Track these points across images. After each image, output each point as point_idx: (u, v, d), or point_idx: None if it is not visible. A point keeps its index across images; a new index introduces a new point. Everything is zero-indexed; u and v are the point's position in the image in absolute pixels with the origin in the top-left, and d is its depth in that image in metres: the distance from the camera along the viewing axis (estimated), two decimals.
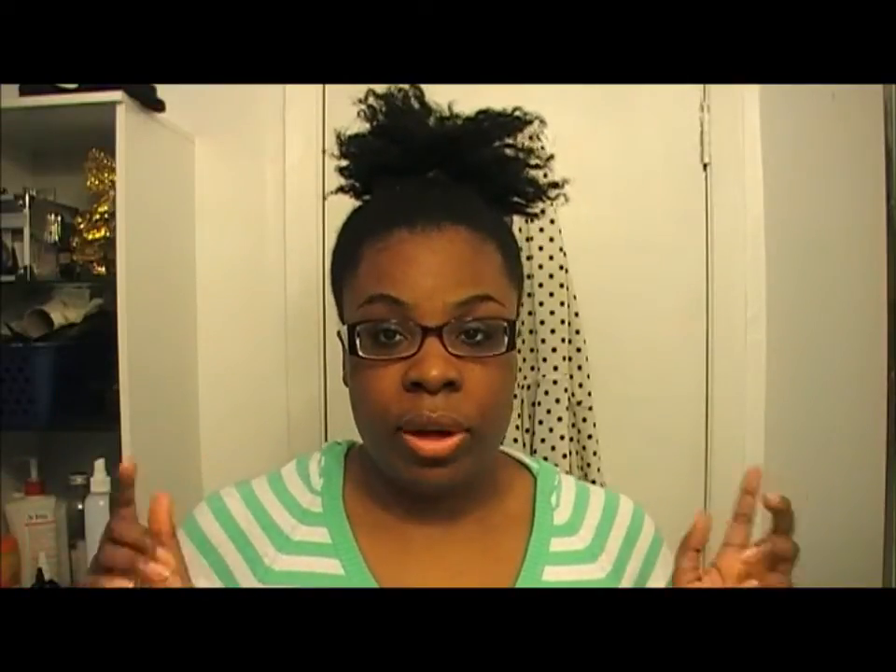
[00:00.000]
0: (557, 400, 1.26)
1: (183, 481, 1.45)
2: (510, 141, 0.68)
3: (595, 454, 1.28)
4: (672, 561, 0.70)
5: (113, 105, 1.22)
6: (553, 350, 1.26)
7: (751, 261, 1.41)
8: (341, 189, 0.73)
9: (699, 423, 1.44)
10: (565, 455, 1.25)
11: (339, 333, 0.65)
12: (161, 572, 0.51)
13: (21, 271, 1.37)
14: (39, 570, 1.35)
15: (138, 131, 1.28)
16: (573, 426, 1.29)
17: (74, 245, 1.40)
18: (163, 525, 0.53)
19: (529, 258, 1.25)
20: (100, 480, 1.27)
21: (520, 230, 1.25)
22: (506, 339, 0.60)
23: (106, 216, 1.37)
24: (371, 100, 0.67)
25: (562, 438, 1.25)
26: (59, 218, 1.41)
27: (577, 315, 1.29)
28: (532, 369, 1.27)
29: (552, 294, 1.26)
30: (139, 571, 0.50)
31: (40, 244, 1.40)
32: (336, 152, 0.70)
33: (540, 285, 1.26)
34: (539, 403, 1.26)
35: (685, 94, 1.43)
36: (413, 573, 0.63)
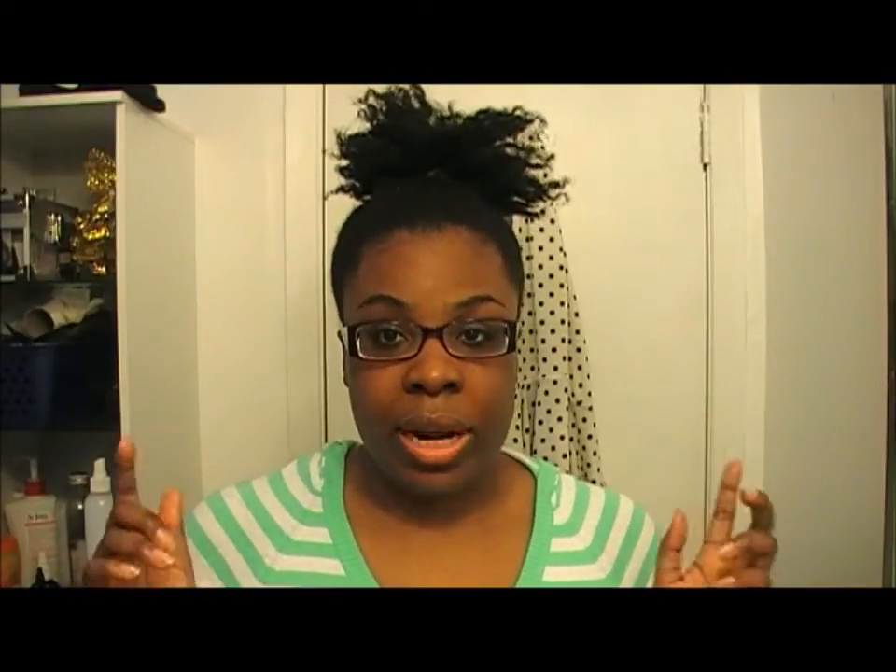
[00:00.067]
0: (557, 400, 1.26)
1: (183, 481, 1.45)
2: (510, 140, 0.68)
3: (595, 454, 1.28)
4: None
5: (113, 104, 1.22)
6: (553, 350, 1.26)
7: (751, 261, 1.41)
8: (341, 189, 0.73)
9: (699, 423, 1.44)
10: (565, 455, 1.25)
11: (339, 334, 0.65)
12: (164, 559, 0.51)
13: (21, 271, 1.38)
14: (39, 570, 1.35)
15: (138, 131, 1.28)
16: (573, 426, 1.29)
17: (74, 244, 1.40)
18: (173, 518, 0.53)
19: (529, 258, 1.25)
20: (100, 480, 1.27)
21: (520, 230, 1.25)
22: (506, 339, 0.60)
23: (106, 216, 1.37)
24: (372, 100, 0.67)
25: (562, 438, 1.25)
26: (59, 218, 1.41)
27: (577, 315, 1.29)
28: (532, 369, 1.27)
29: (552, 294, 1.26)
30: (143, 557, 0.51)
31: (40, 244, 1.40)
32: (336, 152, 0.70)
33: (540, 285, 1.26)
34: (539, 403, 1.26)
35: (685, 94, 1.43)
36: (414, 573, 0.63)
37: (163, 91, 1.33)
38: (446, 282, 0.58)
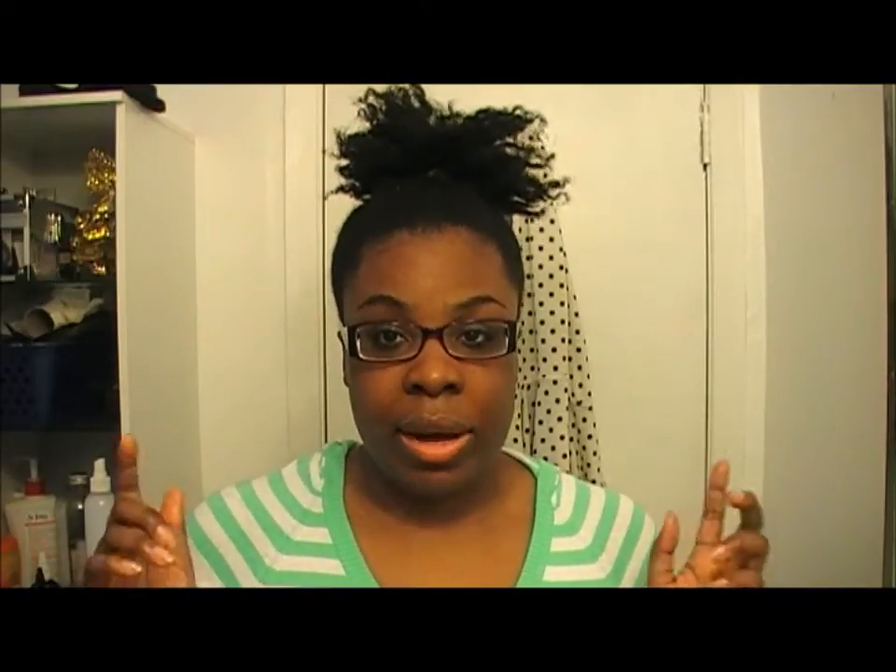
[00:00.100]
0: (557, 400, 1.26)
1: (183, 481, 1.45)
2: (510, 140, 0.68)
3: (595, 454, 1.28)
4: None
5: (113, 104, 1.22)
6: (553, 350, 1.26)
7: (751, 261, 1.41)
8: (341, 189, 0.72)
9: (699, 423, 1.44)
10: (565, 455, 1.25)
11: (339, 334, 0.65)
12: (164, 557, 0.51)
13: (21, 271, 1.37)
14: (39, 570, 1.35)
15: (138, 131, 1.28)
16: (573, 426, 1.29)
17: (74, 244, 1.40)
18: (174, 517, 0.54)
19: (529, 258, 1.25)
20: (100, 480, 1.27)
21: (520, 230, 1.25)
22: (507, 340, 0.60)
23: (106, 216, 1.37)
24: (371, 99, 0.67)
25: (562, 438, 1.25)
26: (59, 218, 1.41)
27: (577, 315, 1.29)
28: (532, 369, 1.27)
29: (552, 294, 1.26)
30: (144, 554, 0.51)
31: (40, 244, 1.40)
32: (336, 152, 0.70)
33: (540, 285, 1.26)
34: (539, 403, 1.26)
35: (685, 94, 1.42)
36: (414, 574, 0.63)
37: (163, 90, 1.33)
38: (446, 282, 0.58)
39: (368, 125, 0.68)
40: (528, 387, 1.27)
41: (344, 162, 0.70)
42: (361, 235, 0.63)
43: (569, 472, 1.25)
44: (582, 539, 0.67)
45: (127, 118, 1.23)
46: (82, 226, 1.39)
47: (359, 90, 0.68)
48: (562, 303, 1.26)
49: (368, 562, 0.63)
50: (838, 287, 1.43)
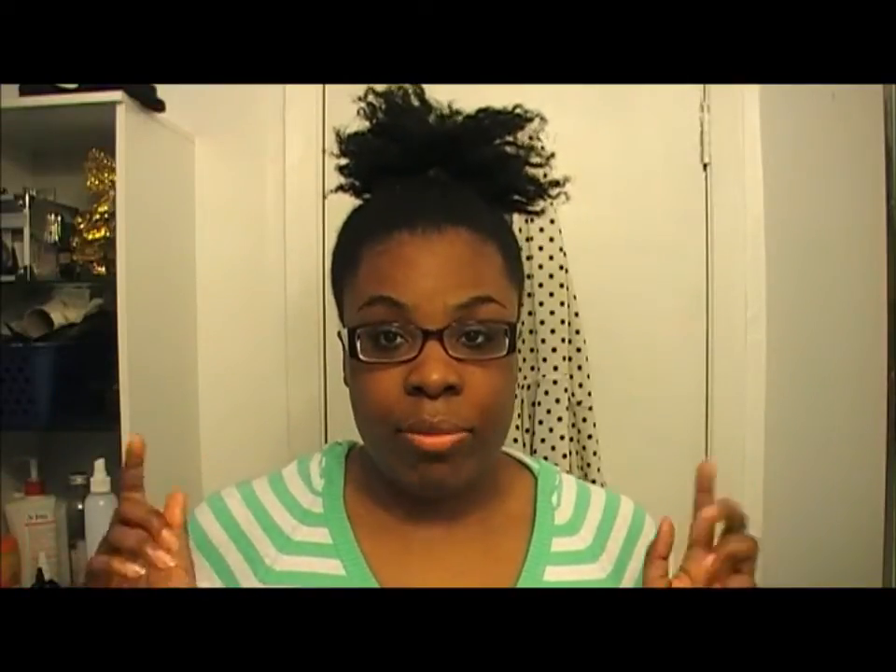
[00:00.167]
0: (557, 400, 1.26)
1: (183, 481, 1.45)
2: (510, 139, 0.67)
3: (595, 454, 1.28)
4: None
5: (113, 104, 1.22)
6: (553, 350, 1.26)
7: (751, 261, 1.41)
8: (340, 188, 0.72)
9: (699, 423, 1.44)
10: (565, 455, 1.25)
11: (339, 334, 0.65)
12: (166, 561, 0.51)
13: (21, 271, 1.38)
14: (39, 570, 1.35)
15: (138, 131, 1.28)
16: (573, 426, 1.29)
17: (74, 244, 1.40)
18: (177, 519, 0.54)
19: (529, 258, 1.25)
20: (100, 480, 1.27)
21: (520, 230, 1.25)
22: (507, 341, 0.60)
23: (106, 216, 1.37)
24: (371, 98, 0.67)
25: (562, 438, 1.25)
26: (59, 218, 1.41)
27: (577, 315, 1.29)
28: (532, 369, 1.27)
29: (552, 294, 1.26)
30: (146, 556, 0.51)
31: (40, 244, 1.40)
32: (336, 151, 0.70)
33: (540, 285, 1.26)
34: (539, 403, 1.26)
35: (685, 94, 1.43)
36: (415, 574, 0.63)
37: (163, 90, 1.33)
38: (446, 283, 0.58)
39: (367, 124, 0.68)
40: (528, 387, 1.27)
41: (344, 161, 0.70)
42: (361, 236, 0.62)
43: (569, 472, 1.25)
44: (583, 539, 0.67)
45: (127, 118, 1.23)
46: (82, 226, 1.39)
47: (359, 89, 0.68)
48: (562, 303, 1.26)
49: (368, 562, 0.63)
50: (838, 287, 1.43)
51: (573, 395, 1.28)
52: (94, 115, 1.22)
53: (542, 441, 1.25)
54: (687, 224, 1.43)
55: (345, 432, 0.72)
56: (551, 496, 0.69)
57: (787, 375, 1.42)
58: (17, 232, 1.38)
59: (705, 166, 1.43)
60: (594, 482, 1.26)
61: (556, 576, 0.64)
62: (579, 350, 1.29)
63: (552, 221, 1.26)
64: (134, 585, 0.51)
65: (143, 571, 0.51)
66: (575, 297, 1.29)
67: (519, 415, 1.26)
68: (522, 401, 1.27)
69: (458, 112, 0.67)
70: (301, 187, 1.48)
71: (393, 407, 0.58)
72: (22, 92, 1.25)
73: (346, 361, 0.64)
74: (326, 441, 1.43)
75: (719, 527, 0.57)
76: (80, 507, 1.33)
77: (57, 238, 1.41)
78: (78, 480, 1.36)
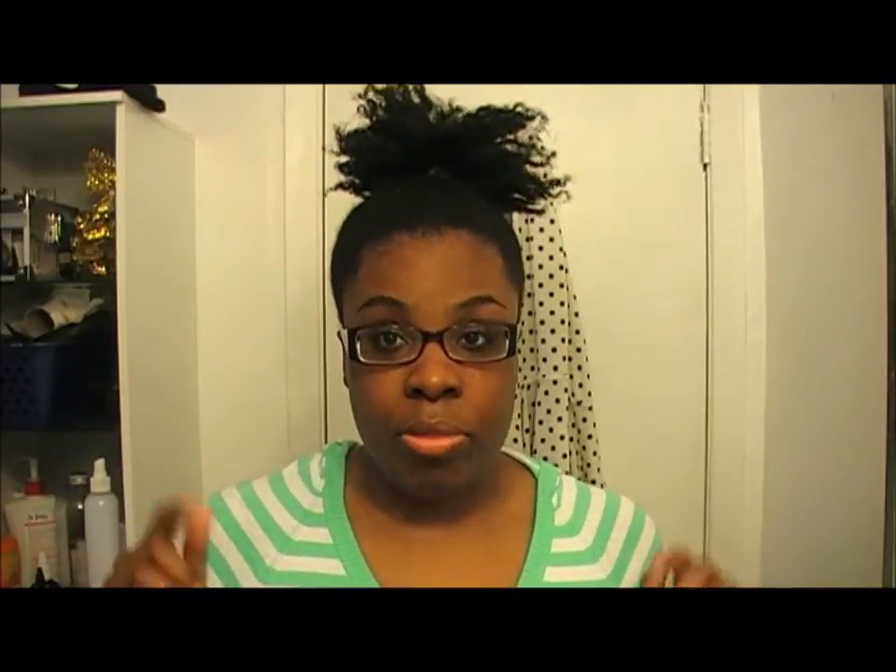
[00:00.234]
0: (557, 400, 1.26)
1: (183, 481, 1.45)
2: (511, 137, 0.67)
3: (595, 454, 1.28)
4: None
5: (113, 104, 1.22)
6: (553, 350, 1.26)
7: (751, 261, 1.41)
8: (340, 186, 0.72)
9: (699, 423, 1.44)
10: (565, 455, 1.25)
11: (339, 334, 0.65)
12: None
13: (21, 271, 1.38)
14: (39, 570, 1.35)
15: (138, 131, 1.28)
16: (573, 426, 1.29)
17: (74, 244, 1.40)
18: (201, 538, 0.51)
19: (529, 258, 1.25)
20: (100, 480, 1.27)
21: (520, 230, 1.25)
22: (507, 343, 0.60)
23: (106, 216, 1.37)
24: (371, 95, 0.67)
25: (562, 438, 1.25)
26: (59, 218, 1.41)
27: (577, 315, 1.29)
28: (532, 369, 1.27)
29: (552, 294, 1.26)
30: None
31: (40, 244, 1.40)
32: (336, 148, 0.70)
33: (540, 285, 1.26)
34: (539, 403, 1.26)
35: (685, 94, 1.43)
36: (415, 574, 0.63)
37: (163, 90, 1.33)
38: (446, 284, 0.58)
39: (367, 122, 0.68)
40: (528, 387, 1.27)
41: (344, 159, 0.70)
42: (361, 237, 0.62)
43: (569, 472, 1.25)
44: (583, 539, 0.67)
45: (127, 118, 1.23)
46: (82, 226, 1.39)
47: (359, 87, 0.68)
48: (562, 303, 1.26)
49: (368, 562, 0.63)
50: (838, 287, 1.43)
51: (573, 395, 1.28)
52: (94, 115, 1.22)
53: (542, 441, 1.25)
54: (687, 224, 1.43)
55: (345, 432, 0.72)
56: (551, 496, 0.69)
57: (787, 375, 1.42)
58: (17, 232, 1.38)
59: (705, 166, 1.43)
60: (594, 482, 1.26)
61: (556, 577, 0.64)
62: (579, 350, 1.29)
63: (552, 221, 1.26)
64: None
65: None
66: (575, 297, 1.29)
67: (519, 415, 1.26)
68: (522, 401, 1.27)
69: (459, 109, 0.67)
70: (301, 186, 1.48)
71: (392, 409, 0.58)
72: (22, 92, 1.25)
73: (346, 362, 0.64)
74: (326, 441, 1.43)
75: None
76: (80, 507, 1.33)
77: (57, 238, 1.41)
78: (78, 480, 1.36)
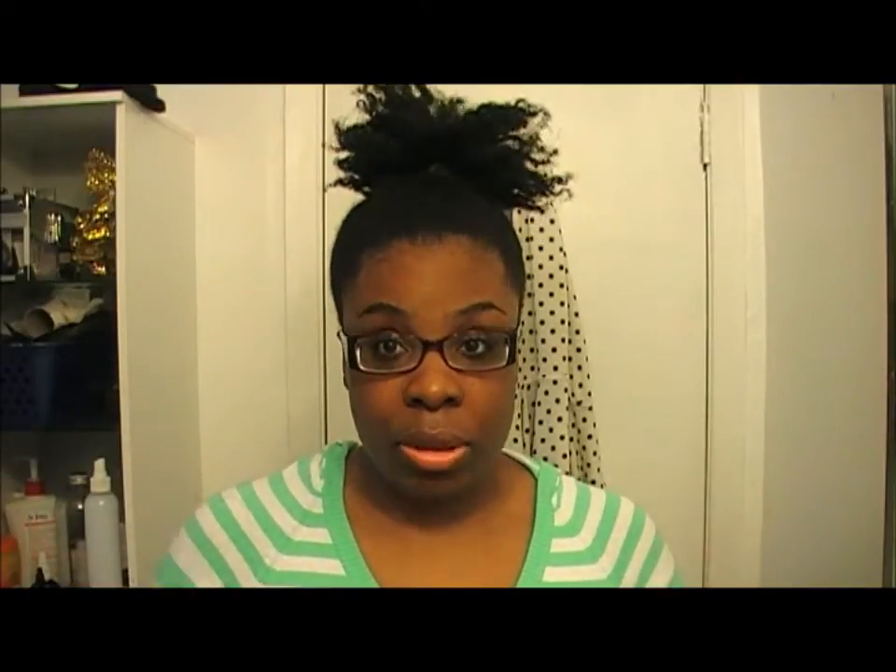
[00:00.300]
0: (557, 400, 1.26)
1: (183, 481, 1.45)
2: (513, 134, 0.67)
3: (595, 454, 1.28)
4: (672, 562, 0.70)
5: (113, 104, 1.22)
6: (553, 350, 1.26)
7: (751, 261, 1.41)
8: (340, 182, 0.72)
9: (699, 423, 1.44)
10: (565, 455, 1.25)
11: (338, 334, 0.64)
12: None
13: (21, 271, 1.38)
14: (39, 570, 1.35)
15: (138, 131, 1.28)
16: (573, 426, 1.29)
17: (74, 244, 1.40)
18: None
19: (529, 258, 1.25)
20: (100, 480, 1.27)
21: (520, 230, 1.25)
22: (507, 350, 0.60)
23: (106, 216, 1.37)
24: (371, 90, 0.66)
25: (562, 438, 1.25)
26: (59, 218, 1.41)
27: (577, 315, 1.29)
28: (532, 369, 1.27)
29: (552, 294, 1.26)
30: None
31: (40, 244, 1.40)
32: (335, 144, 0.69)
33: (540, 285, 1.26)
34: (539, 403, 1.26)
35: (685, 94, 1.43)
36: (414, 574, 0.63)
37: (163, 90, 1.33)
38: (446, 291, 0.58)
39: (367, 117, 0.67)
40: (528, 387, 1.27)
41: (343, 155, 0.70)
42: (361, 242, 0.62)
43: (569, 472, 1.25)
44: (583, 540, 0.67)
45: (127, 118, 1.23)
46: (82, 226, 1.39)
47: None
48: (562, 303, 1.26)
49: (368, 562, 0.63)
50: (838, 287, 1.43)
51: (573, 395, 1.28)
52: (94, 115, 1.22)
53: (542, 441, 1.25)
54: (687, 224, 1.43)
55: (345, 433, 0.72)
56: (551, 497, 0.69)
57: (787, 375, 1.42)
58: (17, 232, 1.38)
59: (705, 166, 1.43)
60: (594, 482, 1.26)
61: (556, 577, 0.64)
62: (579, 350, 1.29)
63: (552, 221, 1.26)
64: None
65: None
66: (575, 297, 1.29)
67: (519, 415, 1.26)
68: (522, 401, 1.27)
69: (461, 100, 0.66)
70: (301, 186, 1.48)
71: (392, 418, 0.58)
72: (22, 92, 1.25)
73: (346, 364, 0.64)
74: (326, 442, 1.43)
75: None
76: (80, 507, 1.33)
77: (57, 238, 1.41)
78: (78, 480, 1.36)
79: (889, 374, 1.42)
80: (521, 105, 0.67)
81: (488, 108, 0.66)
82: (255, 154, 1.51)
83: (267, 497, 0.67)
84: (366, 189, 0.70)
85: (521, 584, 0.63)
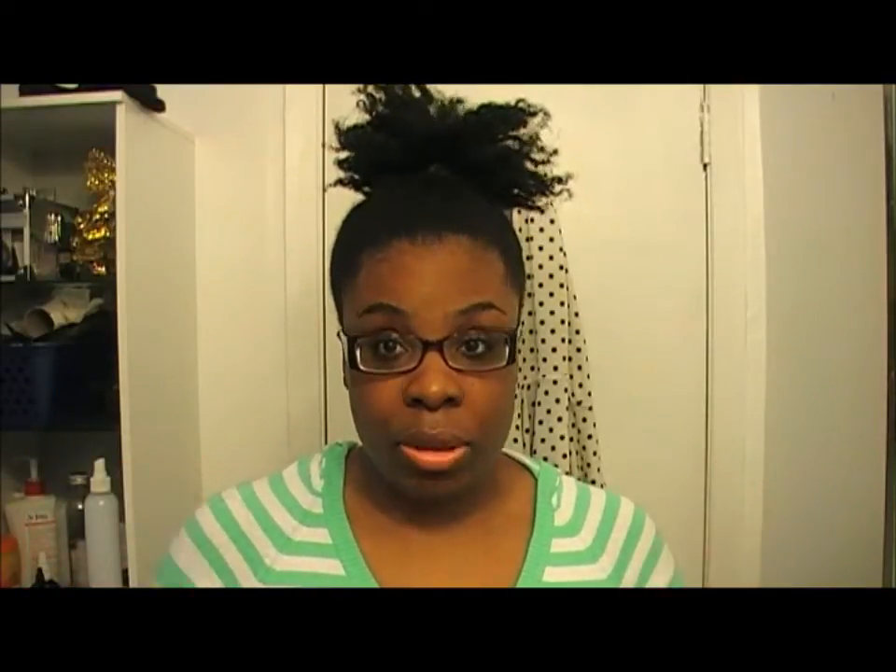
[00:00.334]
0: (557, 400, 1.26)
1: (183, 481, 1.45)
2: (513, 134, 0.67)
3: (595, 454, 1.29)
4: (672, 562, 0.70)
5: (113, 104, 1.22)
6: (553, 350, 1.26)
7: (751, 261, 1.41)
8: (340, 182, 0.72)
9: (699, 423, 1.44)
10: (565, 455, 1.25)
11: (338, 334, 0.64)
12: None
13: (21, 271, 1.38)
14: (39, 570, 1.35)
15: (138, 131, 1.28)
16: (573, 426, 1.29)
17: (74, 244, 1.40)
18: None
19: (529, 258, 1.25)
20: (100, 480, 1.27)
21: (520, 230, 1.25)
22: (507, 350, 0.60)
23: (106, 216, 1.37)
24: (371, 89, 0.66)
25: (562, 438, 1.25)
26: (59, 218, 1.41)
27: (577, 315, 1.29)
28: (532, 369, 1.27)
29: (552, 294, 1.26)
30: None
31: (40, 244, 1.40)
32: (335, 143, 0.69)
33: (540, 285, 1.26)
34: (539, 403, 1.26)
35: (685, 94, 1.43)
36: (414, 574, 0.63)
37: (163, 90, 1.33)
38: (446, 291, 0.58)
39: (367, 117, 0.67)
40: (528, 387, 1.27)
41: (343, 155, 0.70)
42: (361, 242, 0.62)
43: (569, 472, 1.25)
44: (583, 540, 0.67)
45: (127, 118, 1.23)
46: (82, 226, 1.39)
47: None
48: (562, 303, 1.26)
49: (367, 562, 0.63)
50: (838, 287, 1.43)
51: (573, 395, 1.28)
52: (94, 115, 1.22)
53: (542, 441, 1.25)
54: (687, 224, 1.43)
55: (345, 433, 0.72)
56: (551, 497, 0.69)
57: (787, 375, 1.42)
58: (17, 232, 1.38)
59: (705, 166, 1.43)
60: (594, 482, 1.26)
61: (556, 576, 0.64)
62: (579, 350, 1.29)
63: (552, 221, 1.26)
64: None
65: None
66: (575, 297, 1.29)
67: (519, 415, 1.26)
68: (522, 401, 1.27)
69: (461, 100, 0.66)
70: (301, 186, 1.48)
71: (392, 418, 0.58)
72: (22, 92, 1.25)
73: (346, 364, 0.64)
74: (326, 442, 1.43)
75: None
76: (80, 507, 1.33)
77: (57, 238, 1.41)
78: (78, 480, 1.36)
79: (889, 374, 1.42)
80: (521, 104, 0.67)
81: (488, 108, 0.66)
82: (255, 154, 1.51)
83: (267, 497, 0.67)
84: (366, 189, 0.70)
85: (521, 584, 0.63)
